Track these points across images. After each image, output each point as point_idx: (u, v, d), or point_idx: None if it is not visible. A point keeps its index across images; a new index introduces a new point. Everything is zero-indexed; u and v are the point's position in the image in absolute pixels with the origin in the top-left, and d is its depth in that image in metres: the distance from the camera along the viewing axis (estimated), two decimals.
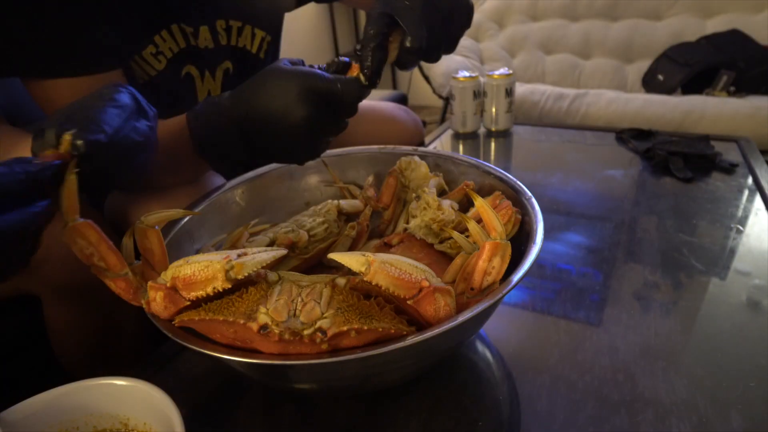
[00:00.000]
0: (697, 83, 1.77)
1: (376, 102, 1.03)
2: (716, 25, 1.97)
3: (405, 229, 0.55)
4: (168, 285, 0.36)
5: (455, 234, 0.46)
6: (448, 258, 0.50)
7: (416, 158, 0.60)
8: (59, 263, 0.54)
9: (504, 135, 1.14)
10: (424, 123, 1.19)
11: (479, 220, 0.44)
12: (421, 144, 1.04)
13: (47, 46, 0.53)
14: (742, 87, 1.71)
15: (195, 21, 0.65)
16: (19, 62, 0.53)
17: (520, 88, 1.82)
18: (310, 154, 0.50)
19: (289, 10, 0.82)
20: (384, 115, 0.98)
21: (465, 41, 2.25)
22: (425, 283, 0.35)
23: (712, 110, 1.58)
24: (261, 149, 0.48)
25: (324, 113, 0.46)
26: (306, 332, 0.34)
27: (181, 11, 0.64)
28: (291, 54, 0.81)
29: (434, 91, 2.06)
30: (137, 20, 0.60)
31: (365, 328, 0.34)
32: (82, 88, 0.56)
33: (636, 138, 1.03)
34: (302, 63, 0.49)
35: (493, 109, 1.11)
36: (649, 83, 1.95)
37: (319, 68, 0.48)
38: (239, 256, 0.36)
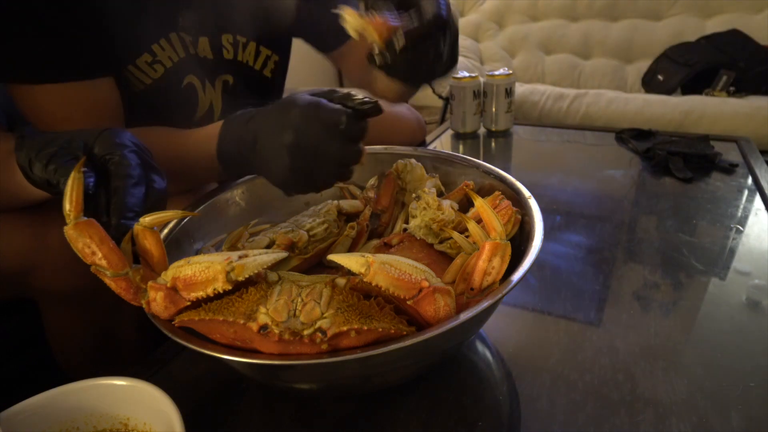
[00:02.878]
0: (697, 83, 1.77)
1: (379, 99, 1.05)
2: (716, 25, 1.97)
3: (404, 230, 0.55)
4: (168, 285, 0.36)
5: (455, 234, 0.46)
6: (448, 258, 0.50)
7: (412, 160, 0.60)
8: (51, 269, 0.54)
9: (504, 135, 1.14)
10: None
11: (479, 220, 0.44)
12: (423, 141, 1.06)
13: (36, 52, 0.52)
14: (742, 87, 1.71)
15: (194, 31, 0.65)
16: (7, 67, 0.52)
17: (520, 88, 1.82)
18: (308, 185, 0.47)
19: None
20: (389, 113, 0.99)
21: (465, 41, 2.25)
22: (425, 284, 0.35)
23: (712, 110, 1.58)
24: (266, 172, 0.47)
25: (321, 142, 0.43)
26: (306, 332, 0.34)
27: (181, 21, 0.63)
28: (291, 63, 0.82)
29: (434, 91, 2.06)
30: (133, 29, 0.59)
31: (365, 328, 0.34)
32: (70, 94, 0.55)
33: (636, 138, 1.03)
34: (330, 94, 0.46)
35: (493, 109, 1.11)
36: (649, 83, 1.95)
37: (344, 96, 0.46)
38: (240, 257, 0.36)
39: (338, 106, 0.44)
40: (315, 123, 0.43)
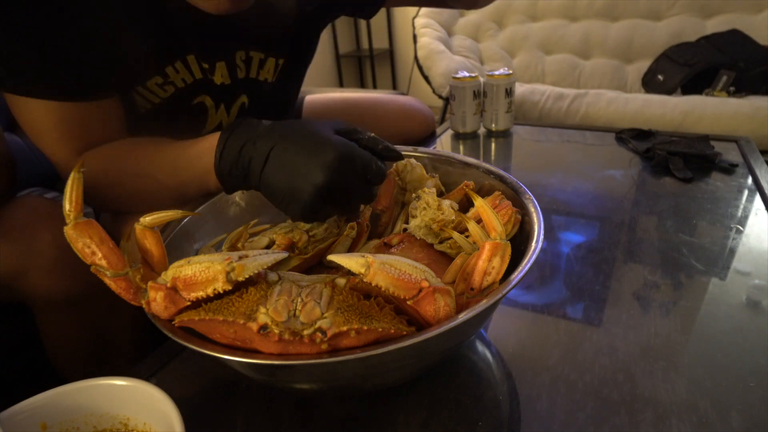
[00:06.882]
0: (697, 83, 1.77)
1: (391, 95, 1.11)
2: (716, 25, 1.97)
3: (404, 230, 0.55)
4: (168, 285, 0.36)
5: (455, 234, 0.46)
6: (448, 258, 0.50)
7: (412, 160, 0.60)
8: (40, 272, 0.53)
9: (504, 135, 1.14)
10: None
11: (479, 220, 0.44)
12: (434, 132, 1.12)
13: (41, 67, 0.51)
14: (742, 87, 1.71)
15: (211, 57, 0.63)
16: (9, 77, 0.51)
17: (520, 88, 1.82)
18: (320, 219, 0.48)
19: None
20: (403, 106, 1.04)
21: (465, 41, 2.25)
22: (425, 284, 0.35)
23: (712, 110, 1.58)
24: (278, 200, 0.46)
25: (350, 186, 0.44)
26: (306, 332, 0.34)
27: (198, 45, 0.61)
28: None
29: (434, 91, 2.06)
30: (146, 53, 0.58)
31: (365, 328, 0.34)
32: (70, 112, 0.54)
33: (636, 138, 1.03)
34: (355, 133, 0.47)
35: (493, 109, 1.11)
36: (649, 83, 1.95)
37: (371, 140, 0.47)
38: (240, 257, 0.36)
39: (369, 154, 0.45)
40: (351, 170, 0.43)
